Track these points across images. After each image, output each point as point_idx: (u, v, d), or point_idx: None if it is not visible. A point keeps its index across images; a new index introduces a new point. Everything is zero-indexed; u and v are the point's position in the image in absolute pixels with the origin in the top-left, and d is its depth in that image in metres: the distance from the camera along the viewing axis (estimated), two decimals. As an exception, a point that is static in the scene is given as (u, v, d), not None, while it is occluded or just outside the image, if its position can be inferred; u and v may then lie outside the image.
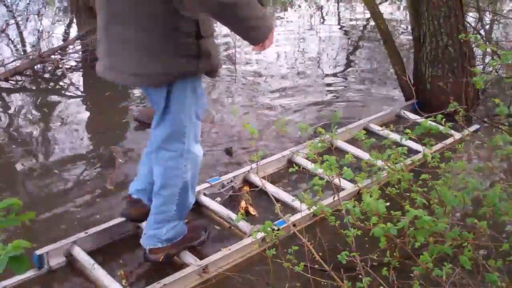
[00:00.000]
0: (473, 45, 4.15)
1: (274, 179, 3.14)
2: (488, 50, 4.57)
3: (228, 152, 3.55)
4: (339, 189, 2.39)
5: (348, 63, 5.59)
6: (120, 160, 3.45)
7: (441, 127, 2.27)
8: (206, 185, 2.99)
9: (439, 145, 3.12)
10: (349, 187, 2.89)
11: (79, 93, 4.69)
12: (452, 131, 2.61)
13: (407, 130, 2.35)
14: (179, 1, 1.95)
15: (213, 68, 2.18)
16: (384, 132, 2.71)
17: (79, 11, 5.18)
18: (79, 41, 5.40)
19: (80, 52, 5.33)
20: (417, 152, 3.18)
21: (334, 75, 5.18)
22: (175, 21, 1.99)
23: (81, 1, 5.14)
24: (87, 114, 4.29)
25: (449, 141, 3.21)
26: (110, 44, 2.11)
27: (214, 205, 2.85)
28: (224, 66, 5.25)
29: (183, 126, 2.22)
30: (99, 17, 2.14)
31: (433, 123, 2.04)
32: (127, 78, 2.14)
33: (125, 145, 3.71)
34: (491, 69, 4.48)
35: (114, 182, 3.17)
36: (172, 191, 2.33)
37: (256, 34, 2.02)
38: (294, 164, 2.76)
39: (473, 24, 5.19)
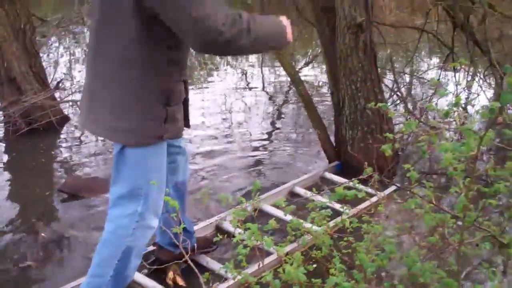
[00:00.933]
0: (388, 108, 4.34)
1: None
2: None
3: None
4: (263, 256, 2.40)
5: (274, 126, 5.72)
6: (43, 235, 3.34)
7: (359, 191, 2.35)
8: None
9: (363, 204, 3.22)
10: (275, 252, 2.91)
11: (1, 165, 4.55)
12: (372, 191, 2.69)
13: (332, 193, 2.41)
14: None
15: (178, 130, 2.31)
16: (309, 194, 2.78)
17: (1, 82, 5.09)
18: (1, 112, 5.28)
19: (3, 124, 5.21)
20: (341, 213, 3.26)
21: (261, 138, 5.27)
22: (151, 85, 2.13)
23: (3, 72, 5.06)
24: (9, 187, 4.15)
25: (365, 204, 3.31)
26: (91, 100, 2.23)
27: (140, 277, 2.79)
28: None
29: (139, 189, 2.23)
30: (85, 75, 2.29)
31: (349, 190, 2.11)
32: (103, 132, 2.31)
33: (49, 217, 3.60)
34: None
35: (37, 258, 3.06)
36: (113, 252, 2.27)
37: (276, 44, 2.16)
38: (219, 232, 2.77)
39: (390, 86, 5.49)
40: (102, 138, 4.96)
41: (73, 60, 8.59)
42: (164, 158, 2.31)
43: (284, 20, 2.19)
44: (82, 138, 5.13)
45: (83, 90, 2.32)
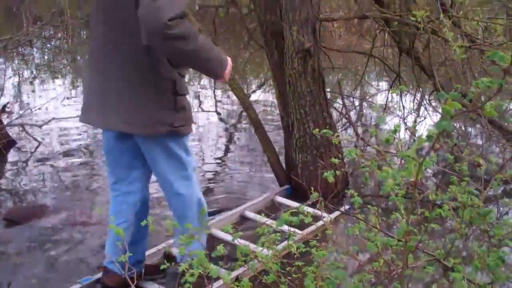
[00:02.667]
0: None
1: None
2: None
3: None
4: (211, 283, 2.35)
5: (227, 149, 5.69)
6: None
7: (305, 215, 2.34)
8: (77, 286, 2.85)
9: (310, 228, 3.22)
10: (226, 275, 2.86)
11: None
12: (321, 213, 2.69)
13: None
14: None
15: (188, 122, 2.64)
16: (259, 218, 2.75)
17: None
18: None
19: None
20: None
21: (213, 162, 5.23)
22: (159, 80, 2.48)
23: None
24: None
25: (313, 228, 3.31)
26: (105, 98, 2.52)
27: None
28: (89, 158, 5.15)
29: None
30: (90, 77, 2.60)
31: (295, 216, 2.09)
32: (120, 126, 2.53)
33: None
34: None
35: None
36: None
37: (213, 69, 2.46)
38: (167, 259, 2.71)
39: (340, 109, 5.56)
40: (51, 163, 4.87)
41: (22, 82, 8.38)
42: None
43: (229, 59, 2.53)
44: (29, 162, 4.98)
45: (90, 92, 2.62)
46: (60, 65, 9.90)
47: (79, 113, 2.72)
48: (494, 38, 4.15)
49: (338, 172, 1.97)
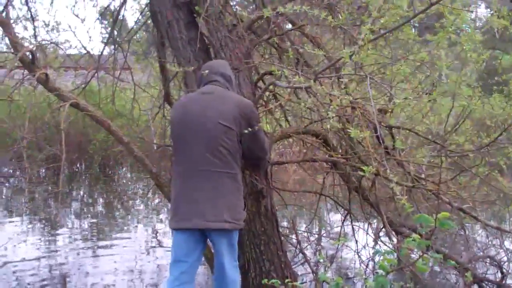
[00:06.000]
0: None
1: None
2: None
3: None
4: None
5: None
6: None
7: None
8: None
9: None
10: None
11: None
12: None
13: None
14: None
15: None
16: None
17: None
18: None
19: None
20: None
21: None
22: (240, 189, 3.48)
23: None
24: None
25: None
26: (200, 203, 3.32)
27: None
28: None
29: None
30: (182, 188, 3.40)
31: None
32: (220, 224, 3.31)
33: None
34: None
35: None
36: None
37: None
38: None
39: (296, 245, 5.60)
40: None
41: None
42: None
43: None
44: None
45: (181, 199, 3.39)
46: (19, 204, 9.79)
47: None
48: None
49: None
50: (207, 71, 3.58)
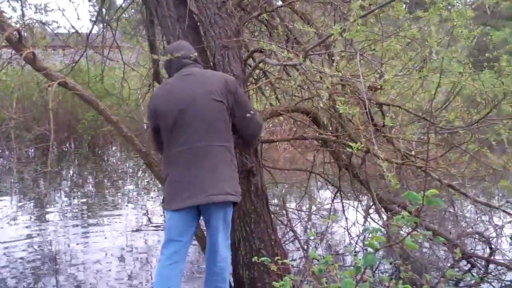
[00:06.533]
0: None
1: None
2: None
3: None
4: None
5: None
6: None
7: None
8: None
9: None
10: None
11: None
12: None
13: None
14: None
15: None
16: None
17: None
18: None
19: None
20: None
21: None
22: (234, 162, 3.61)
23: None
24: None
25: None
26: (203, 180, 3.40)
27: None
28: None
29: None
30: (183, 165, 3.45)
31: None
32: (223, 197, 3.41)
33: None
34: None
35: None
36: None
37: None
38: None
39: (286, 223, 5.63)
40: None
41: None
42: None
43: None
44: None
45: (182, 179, 3.44)
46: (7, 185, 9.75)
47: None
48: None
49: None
50: (180, 54, 3.64)
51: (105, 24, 6.23)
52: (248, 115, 3.62)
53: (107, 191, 9.72)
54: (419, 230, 1.73)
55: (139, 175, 10.90)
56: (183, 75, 3.62)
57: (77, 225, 7.02)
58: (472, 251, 5.46)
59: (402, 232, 2.21)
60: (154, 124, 3.63)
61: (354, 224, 5.54)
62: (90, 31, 6.29)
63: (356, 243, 5.38)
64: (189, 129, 3.46)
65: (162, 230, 7.06)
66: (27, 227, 6.88)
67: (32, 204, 8.46)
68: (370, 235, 1.38)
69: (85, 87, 5.19)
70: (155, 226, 7.13)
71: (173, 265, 3.44)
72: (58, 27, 7.30)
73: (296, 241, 5.21)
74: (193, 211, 3.50)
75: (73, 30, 6.50)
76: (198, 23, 4.35)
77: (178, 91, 3.55)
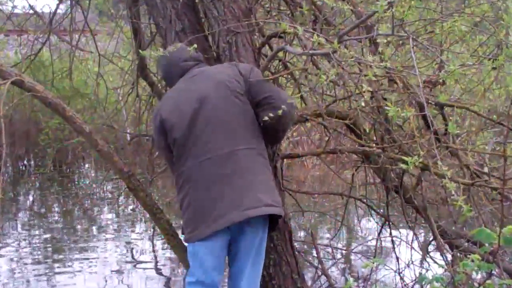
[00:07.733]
0: None
1: None
2: None
3: None
4: None
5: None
6: None
7: None
8: None
9: None
10: None
11: None
12: None
13: None
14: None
15: None
16: None
17: None
18: None
19: None
20: None
21: None
22: (269, 168, 3.74)
23: None
24: None
25: None
26: (236, 189, 3.44)
27: None
28: None
29: None
30: (204, 179, 3.49)
31: None
32: (263, 210, 3.46)
33: None
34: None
35: None
36: None
37: None
38: None
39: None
40: None
41: None
42: None
43: None
44: None
45: (206, 197, 3.46)
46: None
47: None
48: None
49: None
50: (185, 61, 3.74)
51: (73, 2, 6.28)
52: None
53: (78, 224, 9.74)
54: (495, 275, 1.68)
55: (120, 201, 10.93)
56: (188, 78, 3.71)
57: (40, 272, 7.01)
58: None
59: (474, 277, 2.15)
60: (165, 142, 3.66)
61: (407, 265, 5.50)
62: (54, 12, 6.33)
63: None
64: (205, 135, 3.52)
65: (150, 268, 7.08)
66: None
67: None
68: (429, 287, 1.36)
69: (48, 86, 5.22)
70: (144, 268, 7.14)
71: None
72: (13, 7, 7.38)
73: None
74: (224, 236, 3.52)
75: (31, 11, 6.56)
76: (197, 0, 4.36)
77: (185, 96, 3.63)
